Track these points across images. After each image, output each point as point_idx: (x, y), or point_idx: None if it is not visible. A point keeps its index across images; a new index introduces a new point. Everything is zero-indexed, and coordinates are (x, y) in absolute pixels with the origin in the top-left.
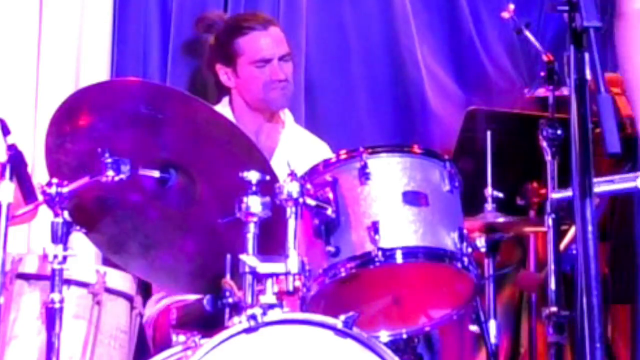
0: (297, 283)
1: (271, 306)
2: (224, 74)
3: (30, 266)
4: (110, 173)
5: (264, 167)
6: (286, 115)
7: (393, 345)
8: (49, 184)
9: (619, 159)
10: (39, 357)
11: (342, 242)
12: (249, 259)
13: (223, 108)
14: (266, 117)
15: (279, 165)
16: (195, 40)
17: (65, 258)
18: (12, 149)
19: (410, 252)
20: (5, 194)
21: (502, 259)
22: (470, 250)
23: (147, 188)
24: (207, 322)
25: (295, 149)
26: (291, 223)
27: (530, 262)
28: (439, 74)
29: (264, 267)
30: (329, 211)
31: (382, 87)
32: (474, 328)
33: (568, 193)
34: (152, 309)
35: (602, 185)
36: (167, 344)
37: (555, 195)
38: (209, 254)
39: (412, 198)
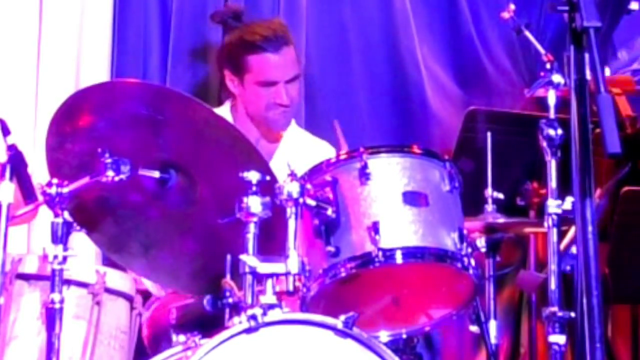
0: (297, 283)
1: (271, 306)
2: (230, 80)
3: (30, 266)
4: (110, 173)
5: (264, 168)
6: None
7: (393, 345)
8: (49, 184)
9: (619, 159)
10: (39, 357)
11: (342, 242)
12: (249, 259)
13: (224, 112)
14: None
15: (279, 167)
16: (196, 40)
17: (65, 258)
18: (12, 149)
19: (410, 253)
20: (5, 194)
21: (502, 259)
22: (470, 250)
23: (147, 188)
24: (207, 322)
25: (296, 151)
26: (291, 223)
27: (530, 262)
28: (439, 74)
29: (264, 267)
30: (329, 211)
31: (382, 87)
32: (474, 328)
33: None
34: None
35: None
36: (161, 343)
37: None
38: (209, 254)
39: (412, 198)
